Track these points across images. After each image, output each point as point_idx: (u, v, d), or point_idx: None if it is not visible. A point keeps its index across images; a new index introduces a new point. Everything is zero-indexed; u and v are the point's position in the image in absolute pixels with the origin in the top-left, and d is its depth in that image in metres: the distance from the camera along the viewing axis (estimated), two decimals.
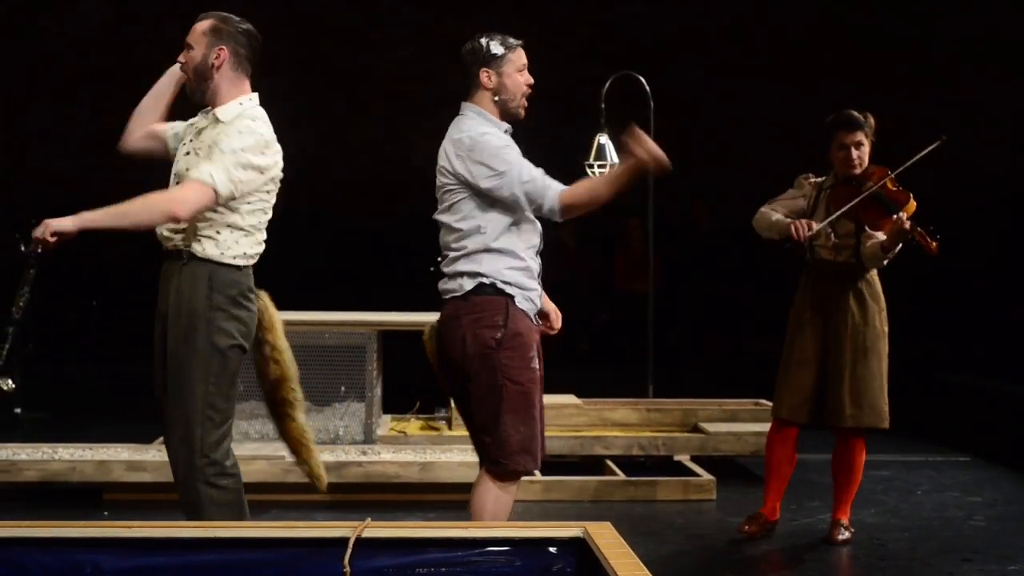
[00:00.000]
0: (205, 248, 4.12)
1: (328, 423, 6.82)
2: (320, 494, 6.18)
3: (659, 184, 8.05)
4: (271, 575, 3.30)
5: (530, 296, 4.34)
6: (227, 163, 4.05)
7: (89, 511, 5.86)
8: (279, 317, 4.36)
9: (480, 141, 4.25)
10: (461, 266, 4.29)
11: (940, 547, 5.57)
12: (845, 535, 5.59)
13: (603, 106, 7.97)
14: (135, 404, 5.89)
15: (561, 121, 10.35)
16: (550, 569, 3.37)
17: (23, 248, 7.93)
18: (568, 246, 11.98)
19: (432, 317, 4.50)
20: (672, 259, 11.38)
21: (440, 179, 4.33)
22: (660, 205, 8.15)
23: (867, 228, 5.42)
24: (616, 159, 8.01)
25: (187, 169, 4.15)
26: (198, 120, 4.30)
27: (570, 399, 7.40)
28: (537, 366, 4.34)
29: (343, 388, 6.90)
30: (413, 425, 7.17)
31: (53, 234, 3.93)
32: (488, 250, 4.27)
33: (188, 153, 4.22)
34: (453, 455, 6.32)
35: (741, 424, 7.17)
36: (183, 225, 4.11)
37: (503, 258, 4.28)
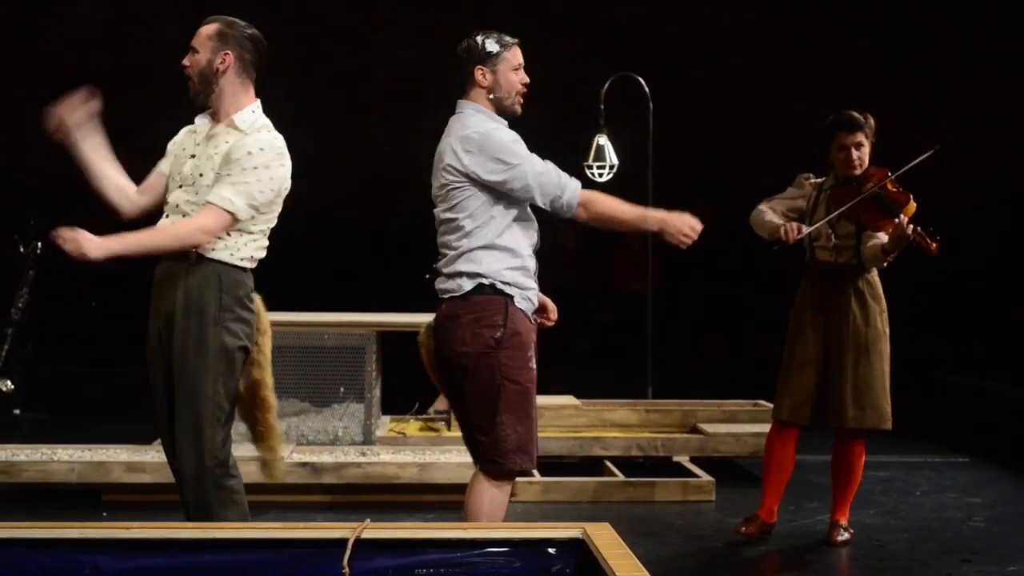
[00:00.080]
0: (214, 249, 4.12)
1: (327, 424, 6.82)
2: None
3: (659, 184, 8.06)
4: None
5: (528, 295, 4.35)
6: (250, 187, 4.08)
7: (88, 512, 5.87)
8: (268, 322, 4.36)
9: (490, 136, 4.27)
10: (460, 266, 4.29)
11: (939, 548, 5.57)
12: (844, 536, 5.59)
13: (602, 107, 7.97)
14: (134, 405, 5.89)
15: (560, 121, 10.36)
16: (549, 570, 3.38)
17: (22, 249, 7.96)
18: (568, 246, 11.99)
19: (431, 318, 4.50)
20: (671, 259, 11.37)
21: (445, 177, 4.31)
22: (659, 205, 8.13)
23: (867, 229, 5.41)
24: (615, 160, 8.03)
25: (200, 175, 4.13)
26: (201, 124, 4.28)
27: (569, 400, 7.40)
28: (535, 366, 4.35)
29: (342, 389, 6.90)
30: (412, 426, 7.17)
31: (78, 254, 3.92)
32: (488, 248, 4.27)
33: (195, 157, 4.19)
34: (452, 456, 6.32)
35: (740, 425, 7.17)
36: None
37: (503, 257, 4.28)
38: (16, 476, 6.20)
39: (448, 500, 5.99)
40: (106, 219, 4.26)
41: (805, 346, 5.50)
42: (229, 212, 4.06)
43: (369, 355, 6.87)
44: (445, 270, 4.34)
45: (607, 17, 12.68)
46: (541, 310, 4.49)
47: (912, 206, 5.35)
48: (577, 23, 12.73)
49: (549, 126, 9.03)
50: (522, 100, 4.41)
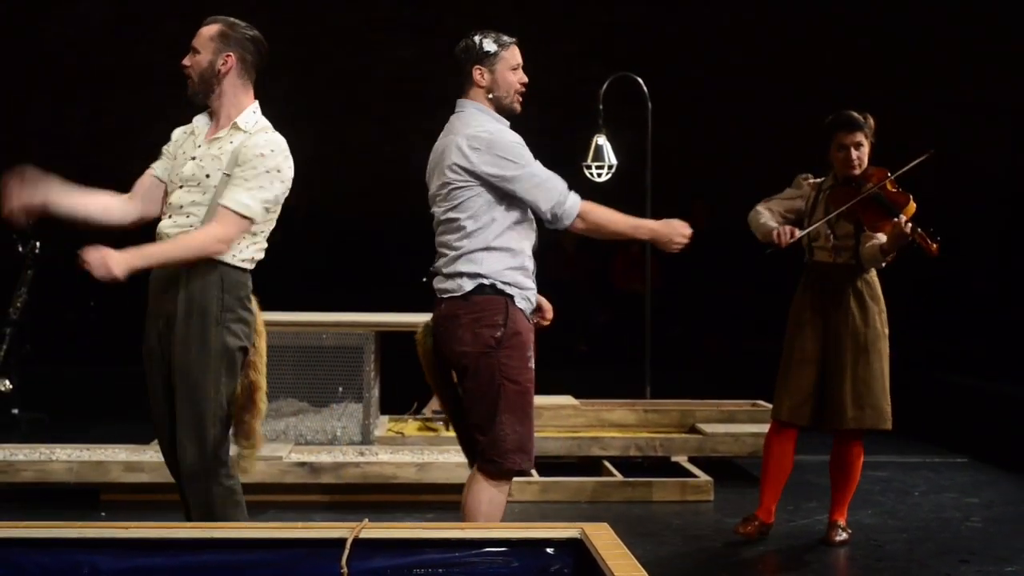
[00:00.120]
0: None
1: (326, 424, 6.82)
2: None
3: (657, 184, 8.06)
4: None
5: (527, 295, 4.36)
6: (264, 190, 4.10)
7: (86, 512, 5.87)
8: (263, 323, 4.35)
9: (499, 136, 4.28)
10: (461, 266, 4.29)
11: (937, 548, 5.57)
12: (842, 536, 5.59)
13: (601, 107, 7.97)
14: (133, 405, 5.88)
15: (559, 122, 10.37)
16: (548, 570, 3.38)
17: (20, 249, 7.95)
18: (567, 247, 11.99)
19: (429, 318, 4.50)
20: (671, 259, 11.36)
21: (448, 176, 4.30)
22: (658, 206, 8.14)
23: (866, 230, 5.41)
24: (614, 160, 8.03)
25: (207, 176, 4.12)
26: (200, 125, 4.27)
27: (568, 400, 7.40)
28: (533, 366, 4.36)
29: (341, 389, 6.90)
30: (410, 426, 7.17)
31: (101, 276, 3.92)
32: (489, 248, 4.27)
33: (196, 158, 4.19)
34: (450, 456, 6.31)
35: (739, 425, 7.17)
36: (190, 225, 4.11)
37: (504, 257, 4.29)
38: (14, 476, 6.20)
39: (446, 500, 5.99)
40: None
41: (804, 346, 5.50)
42: (246, 217, 4.08)
43: (368, 355, 6.87)
44: (445, 270, 4.34)
45: (607, 17, 12.69)
46: (537, 310, 4.51)
47: (912, 206, 5.35)
48: (576, 23, 12.73)
49: (548, 126, 9.04)
50: (521, 99, 4.42)
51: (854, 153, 5.45)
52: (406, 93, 12.30)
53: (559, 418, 7.19)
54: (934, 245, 5.29)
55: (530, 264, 4.38)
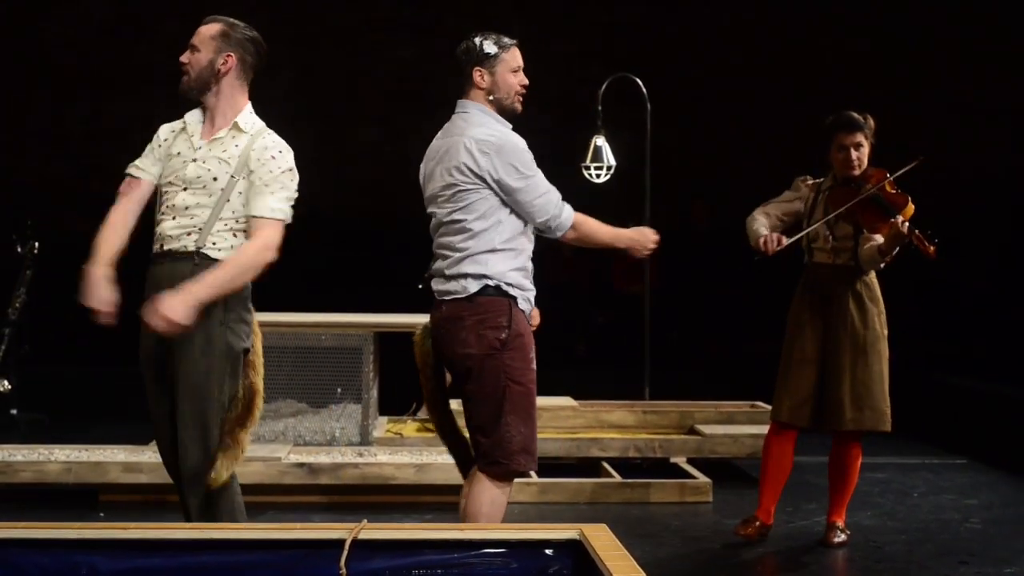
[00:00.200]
0: (221, 250, 4.12)
1: (324, 425, 6.82)
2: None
3: (656, 185, 8.06)
4: None
5: (528, 297, 4.38)
6: (287, 190, 4.17)
7: (85, 512, 5.87)
8: (258, 324, 4.36)
9: (508, 141, 4.30)
10: (466, 267, 4.29)
11: (937, 550, 5.57)
12: (841, 538, 5.59)
13: (600, 108, 7.97)
14: (132, 405, 5.88)
15: (558, 122, 10.36)
16: (546, 571, 3.38)
17: (19, 249, 7.96)
18: (565, 249, 11.98)
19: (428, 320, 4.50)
20: (670, 260, 11.37)
21: (454, 177, 4.29)
22: (657, 206, 8.14)
23: (865, 231, 5.41)
24: (613, 161, 8.02)
25: (214, 179, 4.11)
26: (193, 123, 4.25)
27: (566, 401, 7.40)
28: (535, 367, 4.36)
29: (339, 390, 6.90)
30: (409, 427, 7.17)
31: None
32: (495, 250, 4.28)
33: (197, 160, 4.17)
34: (449, 457, 6.26)
35: (737, 426, 7.17)
36: (195, 227, 4.11)
37: (508, 259, 4.29)
38: (13, 476, 6.20)
39: (445, 501, 5.99)
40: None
41: (804, 346, 5.49)
42: (281, 220, 4.16)
43: (367, 356, 6.87)
44: (448, 272, 4.33)
45: (606, 17, 12.68)
46: None
47: (910, 208, 5.34)
48: (576, 23, 12.73)
49: (547, 127, 9.02)
50: (522, 100, 4.42)
51: (854, 154, 5.45)
52: (406, 93, 12.30)
53: (558, 419, 7.19)
54: (931, 247, 5.29)
55: (530, 266, 4.40)
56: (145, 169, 4.27)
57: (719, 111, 12.44)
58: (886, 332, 5.49)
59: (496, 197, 4.28)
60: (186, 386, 4.09)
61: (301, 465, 6.24)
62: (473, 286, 4.27)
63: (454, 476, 6.03)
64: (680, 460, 6.99)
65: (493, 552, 3.38)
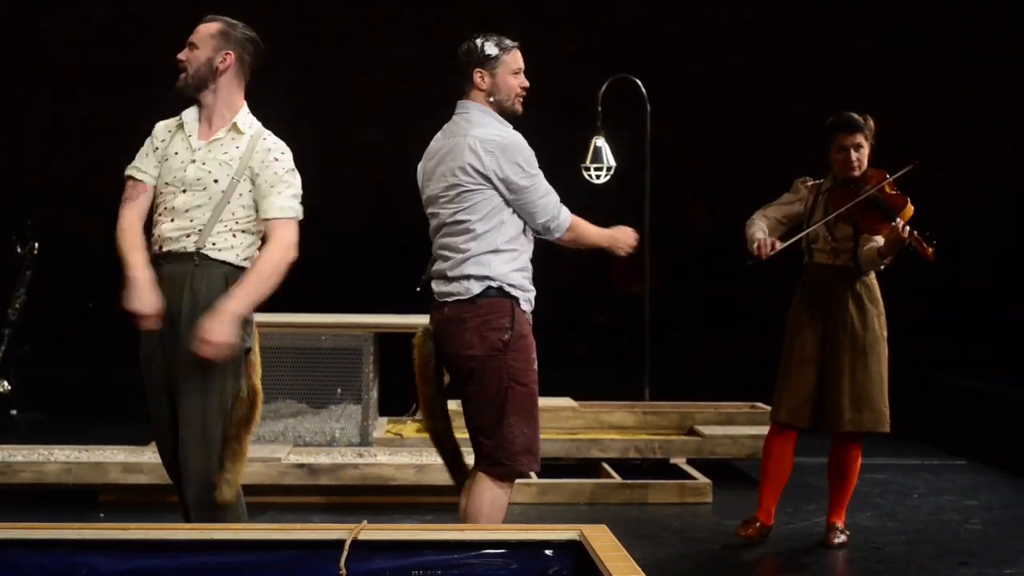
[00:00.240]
0: (221, 251, 4.13)
1: (324, 425, 6.81)
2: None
3: (656, 186, 8.06)
4: None
5: (530, 298, 4.39)
6: (293, 188, 4.20)
7: (85, 513, 5.87)
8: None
9: (512, 140, 4.31)
10: (468, 269, 4.28)
11: (936, 551, 5.57)
12: (841, 539, 5.59)
13: (600, 108, 7.96)
14: (131, 406, 5.88)
15: (558, 123, 10.35)
16: (546, 572, 3.38)
17: (19, 249, 7.95)
18: (563, 249, 11.96)
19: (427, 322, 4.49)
20: (670, 260, 11.37)
21: (458, 177, 4.28)
22: (656, 207, 8.14)
23: (864, 232, 5.41)
24: (612, 161, 8.02)
25: (215, 181, 4.12)
26: (190, 122, 4.25)
27: (566, 402, 7.39)
28: (537, 367, 4.36)
29: (339, 390, 6.90)
30: (409, 427, 7.16)
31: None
32: (497, 251, 4.28)
33: (196, 161, 4.17)
34: None
35: (737, 427, 7.17)
36: (195, 228, 4.11)
37: (510, 260, 4.30)
38: (12, 477, 6.20)
39: (445, 502, 5.98)
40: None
41: (803, 347, 5.49)
42: (294, 218, 4.19)
43: (366, 356, 6.87)
44: (450, 273, 4.32)
45: (606, 18, 12.68)
46: None
47: (910, 209, 5.34)
48: (576, 24, 12.73)
49: (547, 127, 9.01)
50: (522, 101, 4.42)
51: (854, 155, 5.44)
52: (406, 93, 12.29)
53: (558, 420, 7.19)
54: (930, 249, 5.29)
55: (531, 267, 4.40)
56: (148, 172, 4.27)
57: (719, 111, 12.44)
58: (886, 333, 5.49)
59: (499, 197, 4.28)
60: (188, 385, 4.09)
61: (301, 466, 6.23)
62: (476, 287, 4.27)
63: None
64: (680, 461, 6.99)
65: (493, 553, 3.38)
